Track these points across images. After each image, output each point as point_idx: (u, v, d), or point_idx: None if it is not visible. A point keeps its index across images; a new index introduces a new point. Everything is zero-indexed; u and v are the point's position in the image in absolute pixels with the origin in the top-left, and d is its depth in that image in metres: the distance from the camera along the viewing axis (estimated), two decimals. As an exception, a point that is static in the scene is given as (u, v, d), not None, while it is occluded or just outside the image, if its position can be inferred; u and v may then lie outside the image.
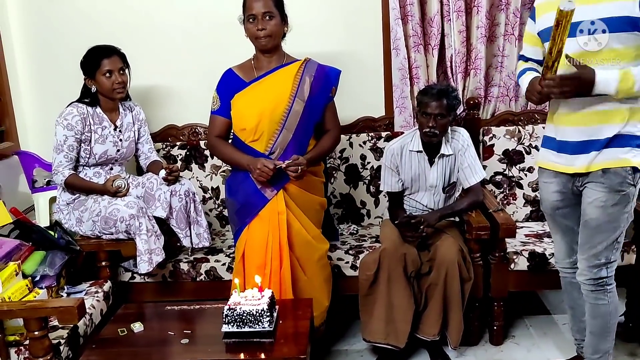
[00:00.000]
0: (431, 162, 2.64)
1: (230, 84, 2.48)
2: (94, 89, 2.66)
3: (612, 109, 2.00)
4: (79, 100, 2.68)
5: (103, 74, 2.62)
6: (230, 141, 2.57)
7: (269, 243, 2.40)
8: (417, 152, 2.63)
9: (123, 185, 2.61)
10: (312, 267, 2.50)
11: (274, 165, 2.35)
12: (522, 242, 2.74)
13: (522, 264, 2.61)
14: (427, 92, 2.55)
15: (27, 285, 2.17)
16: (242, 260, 2.47)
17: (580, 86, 1.93)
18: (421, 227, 2.49)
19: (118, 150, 2.73)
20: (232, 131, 2.55)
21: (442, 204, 2.70)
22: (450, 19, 3.00)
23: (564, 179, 2.15)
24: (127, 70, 2.71)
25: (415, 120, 2.98)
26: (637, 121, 2.02)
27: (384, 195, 2.98)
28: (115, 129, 2.72)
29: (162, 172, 2.66)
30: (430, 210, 2.69)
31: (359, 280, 2.56)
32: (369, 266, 2.52)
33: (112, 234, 2.57)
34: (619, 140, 2.02)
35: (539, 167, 2.26)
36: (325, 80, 2.50)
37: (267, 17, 2.38)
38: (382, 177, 2.75)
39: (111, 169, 2.75)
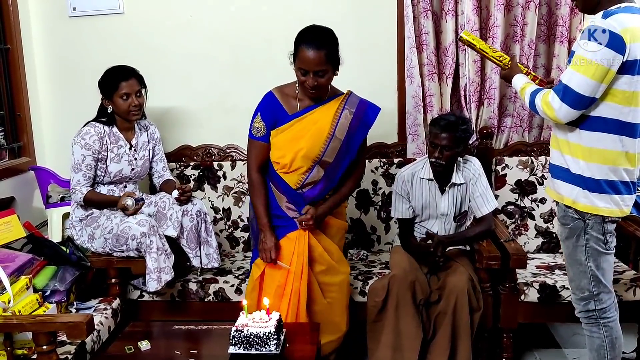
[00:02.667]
0: (442, 191, 2.64)
1: (273, 112, 2.44)
2: (110, 109, 2.70)
3: (553, 134, 2.14)
4: (95, 120, 2.73)
5: (120, 96, 2.66)
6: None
7: (293, 263, 2.41)
8: (428, 180, 2.64)
9: (130, 205, 2.61)
10: (333, 291, 2.50)
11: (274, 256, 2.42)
12: (533, 273, 2.72)
13: (532, 295, 2.59)
14: (436, 123, 2.56)
15: (37, 300, 2.19)
16: (259, 279, 2.48)
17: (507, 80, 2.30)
18: (434, 249, 2.49)
19: (133, 169, 2.77)
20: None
21: (453, 232, 2.70)
22: (465, 49, 3.03)
23: None
24: (143, 92, 2.75)
25: (427, 148, 2.99)
26: (568, 154, 2.06)
27: (395, 221, 2.98)
28: (130, 148, 2.76)
29: (175, 193, 2.68)
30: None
31: (368, 307, 2.55)
32: (377, 292, 2.52)
33: (123, 251, 2.58)
34: (557, 171, 2.11)
35: None
36: (364, 118, 2.49)
37: (320, 74, 2.32)
38: (392, 204, 2.75)
39: (125, 187, 2.78)
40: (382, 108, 3.16)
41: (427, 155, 2.63)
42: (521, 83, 2.18)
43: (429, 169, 2.63)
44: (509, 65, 2.27)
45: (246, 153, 2.60)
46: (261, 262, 2.48)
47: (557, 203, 2.15)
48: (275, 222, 2.49)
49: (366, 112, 2.49)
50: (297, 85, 2.45)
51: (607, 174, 2.00)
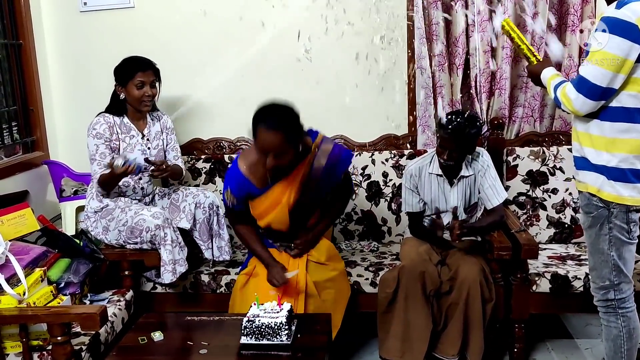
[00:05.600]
0: (451, 184, 2.64)
1: (243, 189, 2.43)
2: (122, 96, 2.71)
3: (573, 127, 2.12)
4: (106, 111, 2.74)
5: (135, 84, 2.67)
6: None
7: (290, 259, 2.46)
8: (437, 175, 2.63)
9: (118, 165, 2.45)
10: (329, 287, 2.50)
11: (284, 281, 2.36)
12: (544, 263, 2.71)
13: (544, 286, 2.58)
14: (444, 128, 2.47)
15: (51, 292, 2.22)
16: (248, 277, 2.51)
17: (532, 77, 2.22)
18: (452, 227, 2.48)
19: (147, 159, 2.76)
20: None
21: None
22: (475, 39, 3.01)
23: None
24: (158, 85, 2.76)
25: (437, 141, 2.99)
26: (589, 146, 2.04)
27: (406, 213, 2.97)
28: (143, 138, 2.77)
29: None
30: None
31: (378, 298, 2.56)
32: (388, 284, 2.52)
33: (136, 243, 2.61)
34: (580, 162, 2.09)
35: None
36: (335, 169, 2.47)
37: (280, 157, 2.23)
38: (403, 198, 2.75)
39: (140, 178, 2.78)
40: (392, 100, 3.21)
41: (436, 153, 2.61)
42: (549, 75, 2.12)
43: (437, 165, 2.62)
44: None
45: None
46: (245, 273, 2.53)
47: (579, 192, 2.13)
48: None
49: (337, 163, 2.44)
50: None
51: (632, 162, 1.98)
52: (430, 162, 2.65)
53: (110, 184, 2.63)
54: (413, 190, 2.68)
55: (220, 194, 3.20)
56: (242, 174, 2.41)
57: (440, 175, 2.62)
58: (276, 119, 2.19)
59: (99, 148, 2.64)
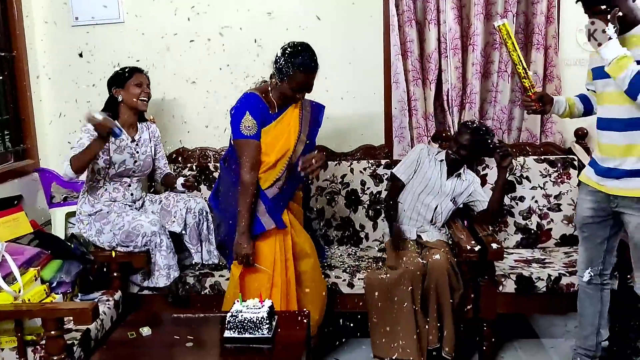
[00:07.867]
0: (449, 176, 2.96)
1: (261, 111, 2.54)
2: (120, 98, 2.83)
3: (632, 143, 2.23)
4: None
5: (135, 83, 2.82)
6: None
7: (277, 255, 2.55)
8: (440, 160, 2.97)
9: (98, 117, 2.47)
10: (306, 279, 2.65)
11: None
12: (511, 266, 2.88)
13: (509, 286, 2.74)
14: (465, 125, 2.93)
15: (45, 290, 2.33)
16: (240, 277, 2.58)
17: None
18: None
19: (135, 162, 2.86)
20: None
21: (447, 213, 2.98)
22: (447, 56, 3.20)
23: (599, 197, 2.35)
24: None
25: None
26: None
27: (391, 174, 3.12)
28: (132, 141, 2.88)
29: (181, 179, 2.92)
30: (435, 216, 2.99)
31: (375, 300, 2.70)
32: (380, 286, 2.69)
33: (128, 247, 2.73)
34: None
35: (581, 183, 2.48)
36: (317, 117, 2.68)
37: (308, 90, 2.54)
38: (401, 161, 3.05)
39: (129, 185, 2.88)
40: (369, 112, 3.39)
41: (449, 147, 2.98)
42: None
43: (444, 155, 2.98)
44: (532, 88, 2.40)
45: (238, 154, 2.57)
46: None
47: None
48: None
49: (317, 112, 2.68)
50: (270, 88, 2.57)
51: None
52: (438, 152, 3.01)
53: (88, 158, 2.60)
54: (413, 161, 2.99)
55: (206, 201, 3.32)
56: (256, 95, 2.56)
57: (442, 161, 2.96)
58: (313, 63, 2.49)
59: (82, 139, 2.69)
